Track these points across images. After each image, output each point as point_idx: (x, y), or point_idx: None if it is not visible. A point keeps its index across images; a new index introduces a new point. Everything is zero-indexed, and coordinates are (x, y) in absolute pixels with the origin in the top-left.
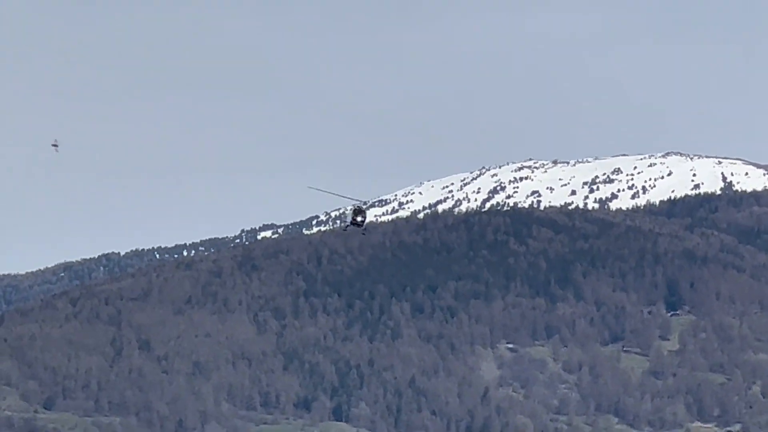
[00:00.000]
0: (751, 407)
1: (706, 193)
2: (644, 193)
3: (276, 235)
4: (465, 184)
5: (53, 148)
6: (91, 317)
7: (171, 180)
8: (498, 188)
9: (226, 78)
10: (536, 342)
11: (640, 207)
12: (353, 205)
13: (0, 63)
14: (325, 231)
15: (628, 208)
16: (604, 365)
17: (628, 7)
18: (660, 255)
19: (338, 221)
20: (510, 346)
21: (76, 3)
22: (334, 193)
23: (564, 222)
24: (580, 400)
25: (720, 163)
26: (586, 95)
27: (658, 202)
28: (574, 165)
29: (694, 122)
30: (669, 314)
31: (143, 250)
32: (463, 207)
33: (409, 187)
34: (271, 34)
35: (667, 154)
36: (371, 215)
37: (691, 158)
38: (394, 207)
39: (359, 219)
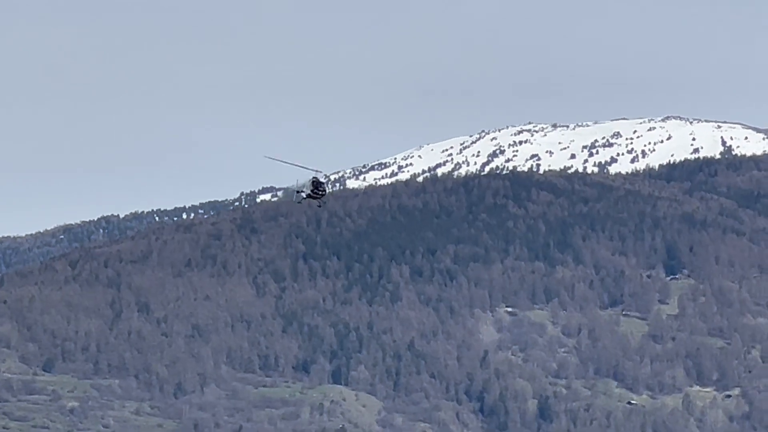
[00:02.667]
0: (750, 372)
1: (705, 157)
2: (644, 157)
3: (275, 198)
4: (464, 148)
5: None
6: (90, 280)
7: (170, 142)
8: (497, 152)
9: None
10: (535, 306)
11: (639, 171)
12: (313, 177)
13: None
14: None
15: (627, 172)
16: (603, 329)
17: None
18: (659, 219)
19: (294, 193)
20: (509, 309)
21: None
22: (291, 163)
23: (563, 186)
24: (579, 364)
25: (719, 127)
26: (585, 59)
27: (657, 166)
28: (574, 129)
29: (694, 86)
30: (668, 278)
31: (143, 212)
32: (463, 170)
33: (409, 150)
34: None
35: (667, 118)
36: (370, 178)
37: (691, 122)
38: (393, 170)
39: (320, 191)
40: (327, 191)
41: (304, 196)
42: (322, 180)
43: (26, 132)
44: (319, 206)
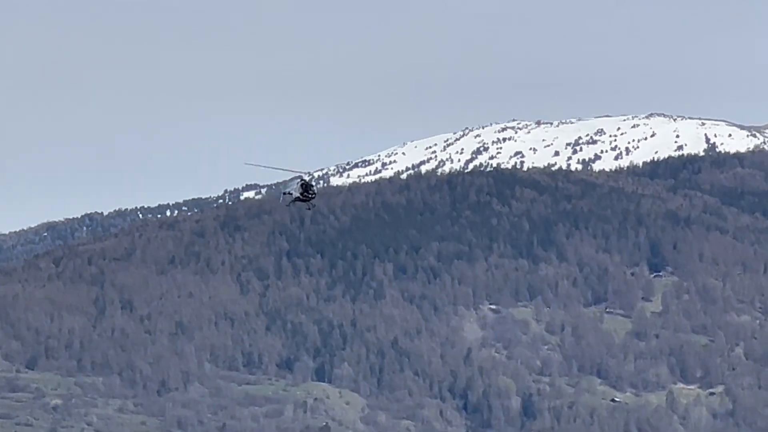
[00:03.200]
0: (734, 369)
1: (689, 155)
2: (627, 154)
3: (259, 196)
4: (448, 145)
5: None
6: (74, 277)
7: (154, 140)
8: (481, 149)
9: (208, 31)
10: (519, 303)
11: (623, 168)
12: (301, 178)
13: None
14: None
15: (611, 169)
16: (587, 326)
17: None
18: (643, 216)
19: (281, 194)
20: (493, 307)
21: None
22: (272, 167)
23: (547, 183)
24: (563, 361)
25: (703, 124)
26: (569, 56)
27: (641, 164)
28: (558, 126)
29: (678, 83)
30: (652, 275)
31: (126, 210)
32: (447, 167)
33: (393, 147)
34: None
35: (651, 115)
36: (354, 175)
37: (675, 119)
38: (377, 167)
39: (310, 194)
40: (316, 193)
41: (293, 199)
42: (311, 183)
43: (9, 130)
44: (309, 209)
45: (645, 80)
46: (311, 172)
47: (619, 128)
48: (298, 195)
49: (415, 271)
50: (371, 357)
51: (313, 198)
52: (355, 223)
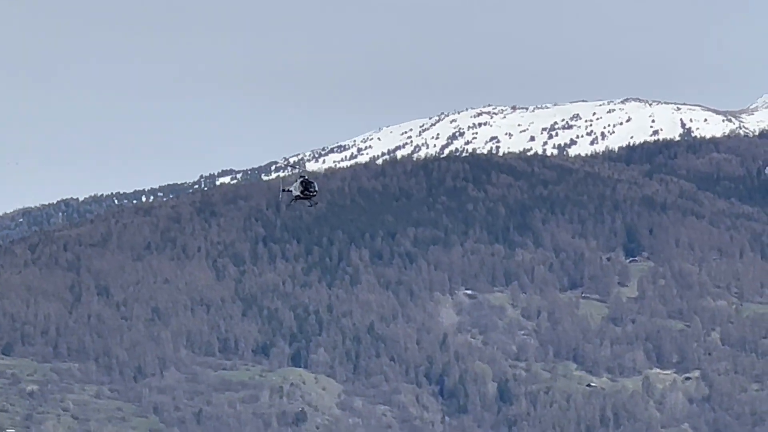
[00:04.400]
0: (710, 354)
1: (665, 140)
2: (603, 139)
3: (235, 181)
4: (424, 130)
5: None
6: (49, 263)
7: (129, 125)
8: (457, 134)
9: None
10: (495, 288)
11: (598, 153)
12: (301, 176)
13: None
14: (283, 177)
15: (586, 154)
16: (563, 312)
17: None
18: (619, 201)
19: (280, 192)
20: (469, 292)
21: None
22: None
23: (523, 168)
24: (539, 347)
25: (679, 109)
26: (544, 40)
27: (616, 149)
28: (533, 111)
29: (653, 68)
30: (628, 261)
31: (102, 195)
32: (422, 153)
33: (368, 133)
34: None
35: (626, 100)
36: (330, 161)
37: (650, 104)
38: (352, 153)
39: (311, 191)
40: (317, 191)
41: (293, 198)
42: (311, 180)
43: None
44: (310, 206)
45: (620, 65)
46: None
47: (594, 113)
48: (298, 193)
49: (391, 256)
50: (347, 342)
51: (315, 195)
52: (330, 208)
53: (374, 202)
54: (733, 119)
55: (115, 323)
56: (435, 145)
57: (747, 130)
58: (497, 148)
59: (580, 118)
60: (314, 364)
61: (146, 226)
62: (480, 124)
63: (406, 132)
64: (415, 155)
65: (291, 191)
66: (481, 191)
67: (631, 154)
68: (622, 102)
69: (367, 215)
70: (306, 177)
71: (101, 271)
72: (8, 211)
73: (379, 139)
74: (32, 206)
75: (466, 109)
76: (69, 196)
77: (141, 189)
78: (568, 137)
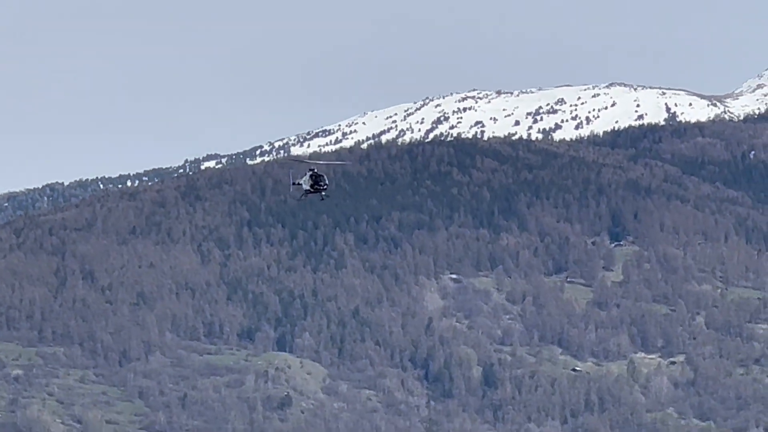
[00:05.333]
0: (694, 338)
1: (650, 124)
2: (588, 123)
3: (220, 165)
4: (408, 115)
5: None
6: (34, 248)
7: (114, 109)
8: (441, 118)
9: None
10: (480, 273)
11: (583, 137)
12: (311, 169)
13: None
14: (268, 161)
15: (571, 139)
16: (548, 296)
17: None
18: (604, 186)
19: (291, 186)
20: (454, 276)
21: None
22: (309, 161)
23: (508, 152)
24: (524, 331)
25: (664, 93)
26: (529, 24)
27: (601, 133)
28: (518, 95)
29: (638, 53)
30: (613, 245)
31: (87, 180)
32: (407, 137)
33: (353, 117)
34: None
35: (611, 84)
36: (315, 145)
37: (635, 89)
38: (337, 137)
39: (321, 185)
40: (328, 184)
41: (304, 192)
42: (321, 173)
43: None
44: (322, 199)
45: (605, 50)
46: (311, 167)
47: (579, 98)
48: (308, 188)
49: (375, 240)
50: (332, 327)
51: (326, 188)
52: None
53: (359, 186)
54: (718, 103)
55: (100, 307)
56: (420, 130)
57: (732, 115)
58: (482, 132)
59: (565, 103)
60: (299, 349)
61: (131, 210)
62: (465, 109)
63: (390, 116)
64: (400, 140)
65: (301, 185)
66: (466, 175)
67: (615, 138)
68: (607, 86)
69: (351, 199)
70: (315, 170)
71: (86, 256)
72: None
73: (363, 123)
74: (17, 190)
75: (451, 94)
76: (54, 181)
77: (126, 173)
78: (553, 122)
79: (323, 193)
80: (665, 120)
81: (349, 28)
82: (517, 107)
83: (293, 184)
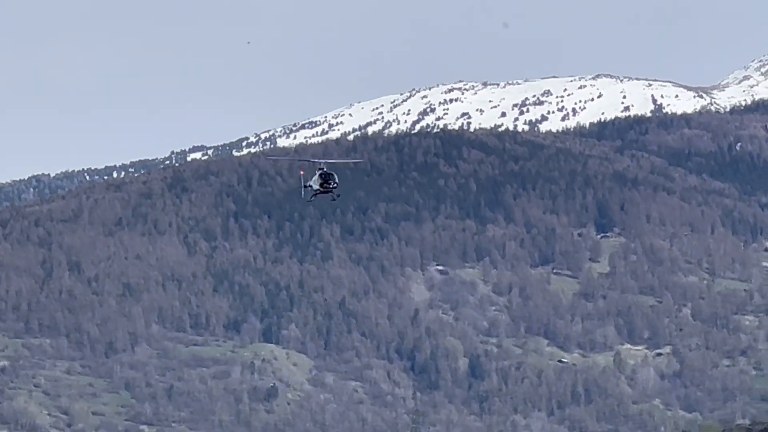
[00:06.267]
0: (680, 330)
1: (636, 116)
2: (574, 115)
3: (206, 157)
4: (395, 106)
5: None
6: (21, 239)
7: (100, 100)
8: (428, 110)
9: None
10: (466, 264)
11: (570, 129)
12: (320, 169)
13: None
14: (254, 152)
15: (558, 130)
16: (534, 287)
17: None
18: (590, 177)
19: (302, 189)
20: (440, 268)
21: None
22: (291, 159)
23: (494, 144)
24: (510, 323)
25: (650, 85)
26: (515, 16)
27: (588, 125)
28: (504, 87)
29: (624, 44)
30: (599, 236)
31: (73, 171)
32: (393, 129)
33: (339, 109)
34: None
35: (597, 76)
36: (301, 137)
37: (621, 80)
38: (324, 129)
39: (331, 184)
40: (338, 183)
41: (314, 193)
42: (331, 172)
43: None
44: (333, 200)
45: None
46: (322, 164)
47: (565, 89)
48: (318, 188)
49: (362, 232)
50: (318, 318)
51: (336, 188)
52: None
53: (345, 177)
54: (704, 95)
55: (87, 299)
56: (406, 121)
57: (718, 106)
58: (468, 124)
59: (552, 94)
60: (285, 340)
61: (117, 201)
62: (451, 100)
63: (377, 108)
64: (387, 131)
65: (311, 186)
66: (453, 167)
67: (602, 130)
68: (594, 78)
69: (338, 191)
70: (325, 169)
71: (72, 247)
72: None
73: (350, 115)
74: (3, 182)
75: (438, 85)
76: (40, 172)
77: (112, 165)
78: (539, 113)
79: (333, 193)
80: (652, 112)
81: (334, 20)
82: (504, 99)
83: (304, 186)
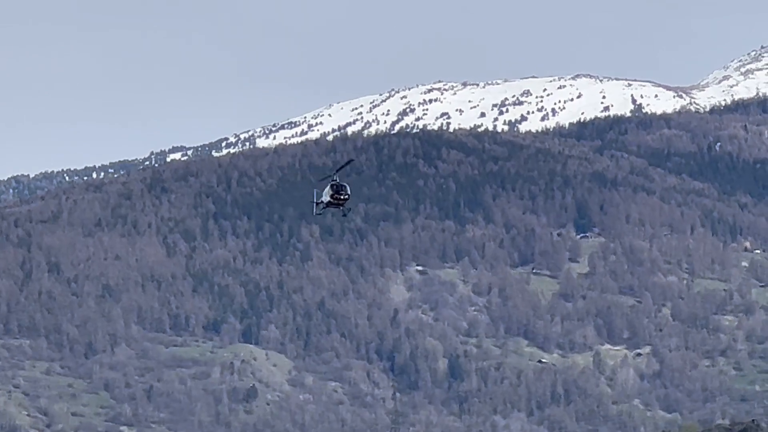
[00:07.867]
0: (660, 330)
1: (615, 116)
2: (554, 115)
3: (185, 158)
4: (374, 106)
5: None
6: (0, 240)
7: (80, 101)
8: (407, 110)
9: None
10: (445, 264)
11: (549, 129)
12: (332, 179)
13: None
14: (234, 153)
15: (537, 131)
16: (514, 288)
17: None
18: (570, 177)
19: (314, 205)
20: (419, 268)
21: None
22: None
23: (473, 144)
24: (490, 323)
25: (630, 85)
26: (494, 16)
27: (567, 125)
28: (484, 87)
29: (604, 44)
30: (579, 237)
31: (53, 172)
32: (373, 129)
33: (319, 109)
34: None
35: (577, 76)
36: (280, 137)
37: (601, 80)
38: (303, 129)
39: (342, 196)
40: (350, 195)
41: (324, 205)
42: (342, 184)
43: None
44: (344, 215)
45: (571, 41)
46: (334, 177)
47: (545, 89)
48: (329, 199)
49: (341, 233)
50: (298, 319)
51: (347, 200)
52: (281, 185)
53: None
54: (684, 95)
55: (66, 300)
56: (385, 122)
57: (698, 106)
58: (448, 124)
59: (531, 94)
60: (265, 341)
61: (97, 202)
62: (430, 101)
63: (356, 108)
64: (366, 131)
65: (321, 202)
66: (432, 167)
67: (581, 130)
68: (573, 78)
69: (349, 203)
70: (338, 181)
71: (52, 248)
72: None
73: (329, 115)
74: None
75: (417, 86)
76: (19, 173)
77: (92, 165)
78: (519, 113)
79: (344, 207)
80: (631, 111)
81: (314, 19)
82: (483, 99)
83: (315, 203)
